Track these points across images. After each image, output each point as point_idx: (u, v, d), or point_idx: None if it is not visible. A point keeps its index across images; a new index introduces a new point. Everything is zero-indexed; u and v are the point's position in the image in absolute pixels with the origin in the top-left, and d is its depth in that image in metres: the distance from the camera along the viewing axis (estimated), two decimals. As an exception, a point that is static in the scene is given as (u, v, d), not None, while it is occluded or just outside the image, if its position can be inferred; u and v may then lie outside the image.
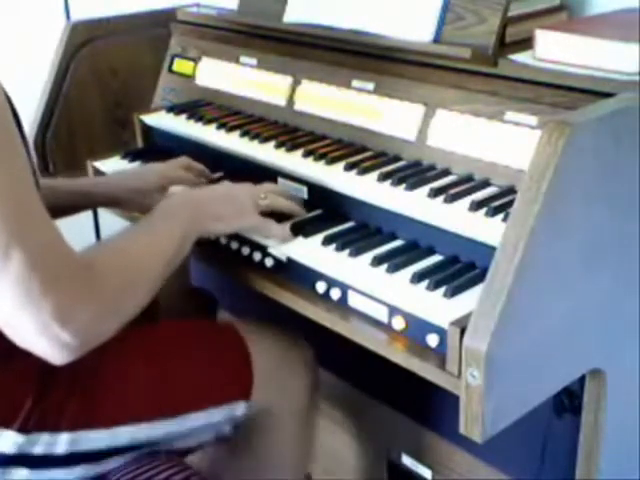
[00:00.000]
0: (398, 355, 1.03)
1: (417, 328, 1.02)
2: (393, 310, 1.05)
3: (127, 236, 1.08)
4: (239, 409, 1.21)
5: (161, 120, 1.64)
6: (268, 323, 1.38)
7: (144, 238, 1.08)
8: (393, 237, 1.22)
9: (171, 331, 1.26)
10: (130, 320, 1.00)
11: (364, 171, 1.28)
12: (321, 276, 1.14)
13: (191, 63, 1.73)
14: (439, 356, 0.99)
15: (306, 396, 1.32)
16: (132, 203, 1.39)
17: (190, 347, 1.22)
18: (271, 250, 1.21)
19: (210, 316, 1.62)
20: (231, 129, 1.51)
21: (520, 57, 1.26)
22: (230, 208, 1.19)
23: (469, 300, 1.01)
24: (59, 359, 0.93)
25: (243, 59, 1.64)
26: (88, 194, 1.39)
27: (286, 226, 1.24)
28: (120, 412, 1.12)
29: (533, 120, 1.18)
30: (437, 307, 1.02)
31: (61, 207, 1.34)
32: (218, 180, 1.44)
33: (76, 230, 1.41)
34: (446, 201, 1.17)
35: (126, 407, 1.12)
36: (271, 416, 1.28)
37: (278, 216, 1.25)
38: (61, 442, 1.07)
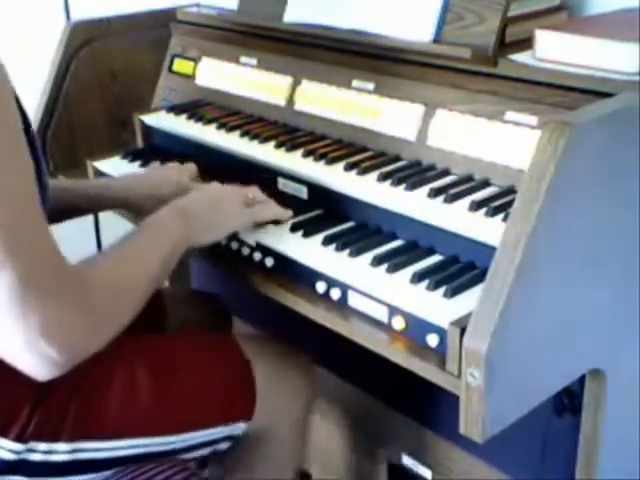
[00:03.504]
0: (398, 355, 1.03)
1: (417, 328, 1.02)
2: (393, 310, 1.05)
3: (118, 253, 1.05)
4: (239, 429, 1.22)
5: (161, 120, 1.64)
6: (270, 339, 1.37)
7: (135, 254, 1.06)
8: (393, 237, 1.22)
9: (177, 348, 1.25)
10: (117, 334, 0.99)
11: (364, 171, 1.29)
12: (321, 276, 1.14)
13: (191, 63, 1.73)
14: (439, 356, 0.99)
15: (304, 410, 1.33)
16: (144, 209, 1.35)
17: (195, 366, 1.22)
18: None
19: (225, 325, 1.61)
20: (231, 129, 1.51)
21: (520, 57, 1.26)
22: (219, 216, 1.19)
23: (469, 300, 1.01)
24: (44, 375, 0.92)
25: (243, 59, 1.64)
26: (101, 197, 1.38)
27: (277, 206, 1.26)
28: (121, 426, 1.11)
29: (533, 120, 1.18)
30: (437, 307, 1.02)
31: (73, 209, 1.35)
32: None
33: (76, 231, 1.41)
34: (446, 201, 1.17)
35: (127, 421, 1.12)
36: (269, 433, 1.28)
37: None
38: (60, 451, 1.07)
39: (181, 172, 1.39)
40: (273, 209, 1.25)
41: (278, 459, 1.32)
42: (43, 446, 1.06)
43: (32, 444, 1.05)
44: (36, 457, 1.06)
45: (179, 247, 1.12)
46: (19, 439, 1.04)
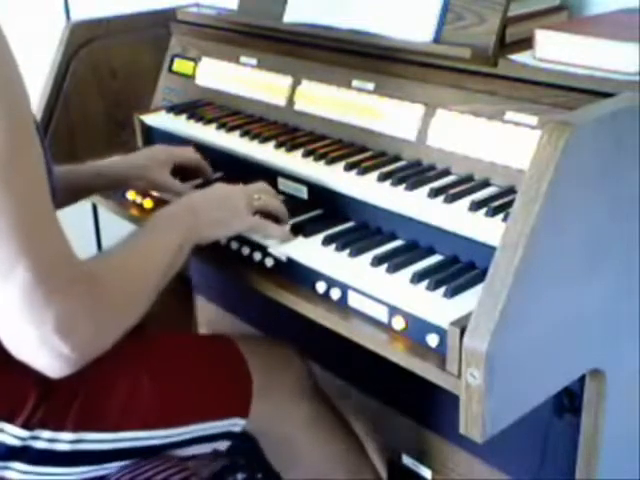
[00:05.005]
0: (398, 355, 1.03)
1: (417, 328, 1.02)
2: (393, 310, 1.05)
3: (128, 248, 1.07)
4: (237, 425, 1.23)
5: (161, 120, 1.64)
6: (263, 338, 1.38)
7: (144, 250, 1.08)
8: (393, 237, 1.22)
9: (177, 346, 1.26)
10: (127, 330, 1.00)
11: (364, 171, 1.28)
12: (321, 276, 1.14)
13: (191, 63, 1.73)
14: (439, 356, 0.99)
15: (307, 406, 1.32)
16: (140, 179, 1.43)
17: (194, 362, 1.23)
18: (271, 250, 1.21)
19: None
20: (231, 129, 1.51)
21: (520, 57, 1.26)
22: (225, 213, 1.20)
23: (469, 300, 1.01)
24: (57, 372, 0.93)
25: (243, 59, 1.64)
26: (102, 175, 1.43)
27: (285, 226, 1.25)
28: (122, 418, 1.12)
29: (533, 120, 1.18)
30: (437, 307, 1.02)
31: (79, 189, 1.40)
32: (212, 181, 1.44)
33: (76, 230, 1.41)
34: (446, 201, 1.17)
35: (128, 414, 1.13)
36: (278, 434, 1.29)
37: (276, 217, 1.26)
38: (63, 440, 1.08)
39: (173, 152, 1.46)
40: (277, 230, 1.24)
41: (311, 460, 1.33)
42: (47, 434, 1.07)
43: (37, 431, 1.06)
44: (40, 445, 1.07)
45: (187, 242, 1.13)
46: (25, 426, 1.05)
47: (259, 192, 1.26)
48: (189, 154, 1.47)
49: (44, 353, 0.90)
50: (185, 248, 1.13)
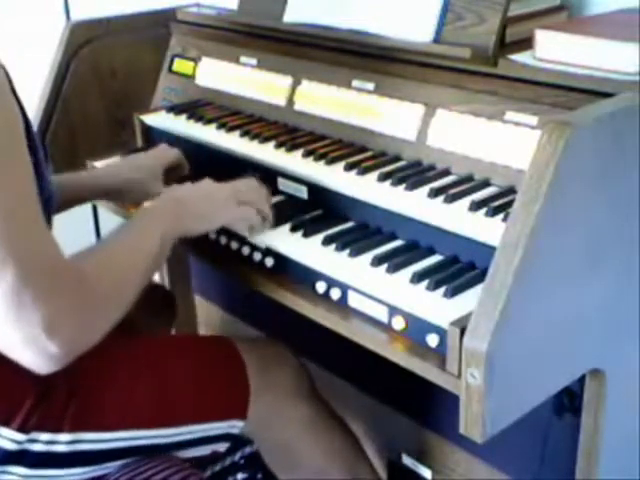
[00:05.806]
0: (398, 355, 1.03)
1: (417, 328, 1.02)
2: (393, 310, 1.05)
3: (114, 242, 1.08)
4: (235, 427, 1.23)
5: (161, 120, 1.64)
6: (260, 339, 1.37)
7: (130, 243, 1.08)
8: (393, 237, 1.22)
9: (176, 346, 1.27)
10: (114, 325, 1.00)
11: (364, 171, 1.28)
12: (321, 276, 1.14)
13: (191, 63, 1.73)
14: (439, 356, 0.99)
15: (304, 405, 1.33)
16: (131, 194, 1.42)
17: (191, 363, 1.23)
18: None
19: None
20: (231, 129, 1.51)
21: (520, 57, 1.26)
22: (211, 205, 1.21)
23: (469, 300, 1.01)
24: (44, 369, 0.94)
25: (243, 59, 1.64)
26: (90, 187, 1.42)
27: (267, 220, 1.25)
28: (120, 417, 1.12)
29: (533, 120, 1.18)
30: (437, 307, 1.02)
31: (66, 200, 1.38)
32: (199, 177, 1.44)
33: (76, 230, 1.42)
34: (446, 201, 1.17)
35: (126, 413, 1.13)
36: (276, 435, 1.29)
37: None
38: (61, 441, 1.08)
39: (159, 158, 1.45)
40: (257, 205, 1.24)
41: (309, 460, 1.34)
42: (45, 436, 1.07)
43: (34, 434, 1.06)
44: (38, 447, 1.07)
45: (171, 233, 1.13)
46: (21, 429, 1.05)
47: (247, 188, 1.26)
48: (170, 155, 1.47)
49: (31, 352, 0.91)
50: (169, 240, 1.13)
